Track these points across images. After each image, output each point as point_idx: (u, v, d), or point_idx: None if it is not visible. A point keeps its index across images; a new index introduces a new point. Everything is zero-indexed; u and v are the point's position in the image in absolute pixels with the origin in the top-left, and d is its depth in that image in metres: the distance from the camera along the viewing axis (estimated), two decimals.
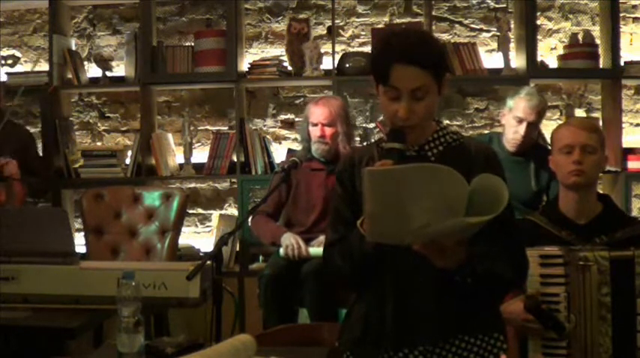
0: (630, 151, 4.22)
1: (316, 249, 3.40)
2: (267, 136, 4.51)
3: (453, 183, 1.58)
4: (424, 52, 1.77)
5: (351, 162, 1.95)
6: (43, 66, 4.70)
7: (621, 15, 4.33)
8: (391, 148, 1.77)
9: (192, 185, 4.74)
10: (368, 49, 4.48)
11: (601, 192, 2.76)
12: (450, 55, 4.26)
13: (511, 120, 3.52)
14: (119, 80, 4.64)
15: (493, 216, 1.57)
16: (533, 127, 3.50)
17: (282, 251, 3.44)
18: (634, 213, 4.39)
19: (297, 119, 4.63)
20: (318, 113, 3.54)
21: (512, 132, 3.52)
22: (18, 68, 4.74)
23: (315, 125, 3.54)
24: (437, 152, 1.87)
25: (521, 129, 3.49)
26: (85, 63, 4.66)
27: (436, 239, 1.64)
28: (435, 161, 1.84)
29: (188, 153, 4.44)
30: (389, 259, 1.82)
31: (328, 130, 3.53)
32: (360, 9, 4.65)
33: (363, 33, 4.62)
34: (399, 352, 1.83)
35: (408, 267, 1.79)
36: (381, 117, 4.62)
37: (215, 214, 4.71)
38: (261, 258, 4.21)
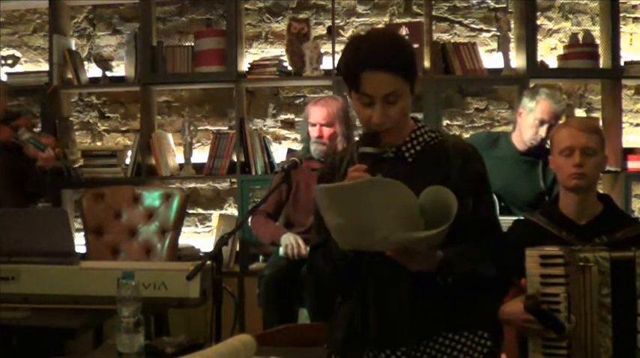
0: (630, 151, 4.22)
1: None
2: (267, 136, 4.51)
3: (400, 196, 1.60)
4: (393, 57, 1.75)
5: (332, 165, 1.97)
6: (43, 66, 4.70)
7: (621, 15, 4.33)
8: (365, 153, 1.78)
9: (192, 185, 4.73)
10: None
11: (601, 192, 2.75)
12: (450, 54, 4.27)
13: (530, 121, 3.47)
14: (119, 80, 4.64)
15: (441, 229, 1.58)
16: (552, 129, 3.46)
17: (281, 250, 3.44)
18: (634, 213, 4.39)
19: (297, 119, 4.63)
20: (316, 113, 3.53)
21: (532, 134, 3.47)
22: (18, 68, 4.75)
23: (314, 125, 3.53)
24: (414, 152, 1.87)
25: (543, 131, 3.45)
26: (85, 63, 4.66)
27: (404, 246, 1.66)
28: (413, 161, 1.85)
29: (188, 153, 4.44)
30: (368, 261, 1.83)
31: (326, 131, 3.52)
32: (360, 9, 4.65)
33: (363, 33, 4.62)
34: (382, 352, 1.84)
35: (388, 268, 1.79)
36: None
37: (215, 214, 4.71)
38: (261, 258, 4.21)
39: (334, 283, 1.96)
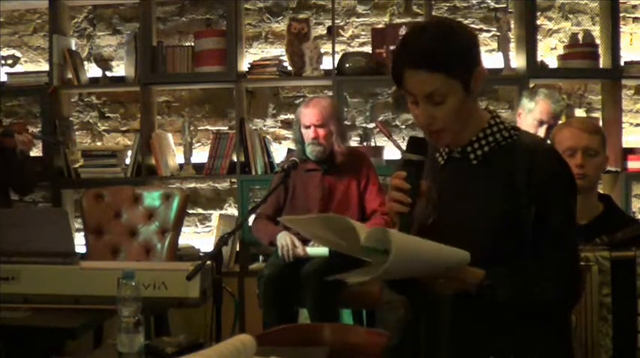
0: (630, 151, 4.22)
1: (315, 249, 3.40)
2: (267, 136, 4.51)
3: (346, 232, 1.56)
4: (433, 55, 1.61)
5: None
6: (43, 66, 4.70)
7: (621, 15, 4.34)
8: (407, 160, 1.67)
9: (192, 185, 4.73)
10: (368, 49, 4.48)
11: (602, 192, 2.75)
12: None
13: (529, 122, 3.46)
14: (119, 80, 4.64)
15: (378, 274, 1.47)
16: (552, 129, 3.45)
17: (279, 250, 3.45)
18: (634, 213, 4.39)
19: None
20: (309, 115, 3.53)
21: None
22: (18, 68, 4.74)
23: (308, 127, 3.53)
24: (480, 154, 1.71)
25: (542, 131, 3.44)
26: (85, 63, 4.66)
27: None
28: (477, 164, 1.71)
29: (188, 153, 4.44)
30: None
31: (321, 131, 3.52)
32: (360, 9, 4.65)
33: (363, 33, 4.62)
34: None
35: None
36: (381, 117, 4.62)
37: (215, 214, 4.71)
38: (261, 258, 4.21)
39: (394, 286, 1.86)
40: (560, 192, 1.68)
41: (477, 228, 1.67)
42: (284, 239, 3.42)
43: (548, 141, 3.46)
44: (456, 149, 1.74)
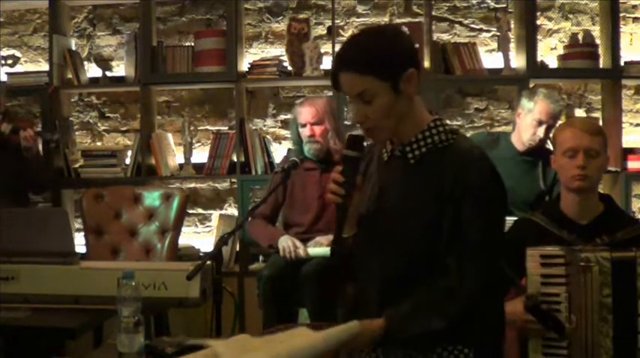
0: (630, 151, 4.22)
1: (315, 250, 3.42)
2: (267, 136, 4.51)
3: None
4: (358, 57, 1.73)
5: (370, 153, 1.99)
6: (43, 66, 4.70)
7: (621, 15, 4.33)
8: (346, 156, 1.81)
9: (192, 185, 4.73)
10: None
11: (602, 192, 2.75)
12: (450, 54, 4.26)
13: (529, 122, 3.47)
14: (119, 80, 4.64)
15: None
16: (551, 130, 3.46)
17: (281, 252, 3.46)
18: (634, 213, 4.38)
19: None
20: (305, 113, 3.55)
21: (530, 134, 3.47)
22: (18, 68, 4.75)
23: (304, 126, 3.55)
24: (418, 154, 1.80)
25: (541, 131, 3.46)
26: (85, 63, 4.66)
27: None
28: (415, 164, 1.80)
29: (188, 153, 4.44)
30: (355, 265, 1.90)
31: (317, 129, 3.54)
32: (360, 9, 4.65)
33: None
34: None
35: (363, 276, 1.87)
36: None
37: (215, 214, 4.71)
38: (261, 258, 4.21)
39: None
40: (481, 202, 1.73)
41: (408, 227, 1.77)
42: (286, 242, 3.44)
43: (549, 141, 3.50)
44: (397, 147, 1.84)
